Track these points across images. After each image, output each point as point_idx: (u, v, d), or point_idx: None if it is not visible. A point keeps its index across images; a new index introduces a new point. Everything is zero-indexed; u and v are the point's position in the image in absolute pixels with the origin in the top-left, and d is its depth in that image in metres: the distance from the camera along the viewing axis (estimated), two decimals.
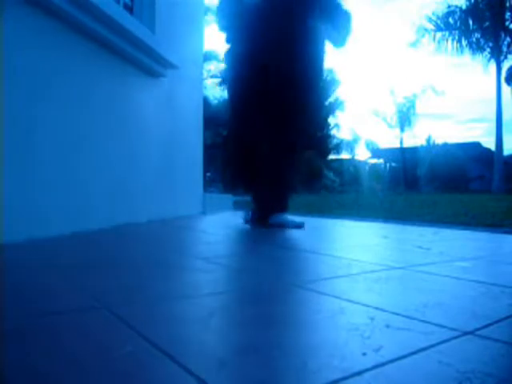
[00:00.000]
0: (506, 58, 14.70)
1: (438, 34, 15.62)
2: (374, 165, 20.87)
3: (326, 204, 5.57)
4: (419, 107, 21.02)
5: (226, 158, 2.63)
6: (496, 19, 14.28)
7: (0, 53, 1.65)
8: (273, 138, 2.42)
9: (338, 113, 19.53)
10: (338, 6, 2.47)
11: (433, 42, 15.79)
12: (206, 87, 15.80)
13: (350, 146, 20.21)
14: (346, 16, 2.49)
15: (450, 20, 15.34)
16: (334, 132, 19.73)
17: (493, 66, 14.86)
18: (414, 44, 16.18)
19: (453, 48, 15.48)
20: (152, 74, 2.87)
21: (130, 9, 2.84)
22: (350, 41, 2.56)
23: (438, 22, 15.52)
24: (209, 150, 3.86)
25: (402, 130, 19.34)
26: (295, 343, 0.66)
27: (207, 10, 5.00)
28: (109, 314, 0.78)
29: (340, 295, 0.93)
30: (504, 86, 14.34)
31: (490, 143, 31.19)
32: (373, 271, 1.21)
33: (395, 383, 0.52)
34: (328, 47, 2.52)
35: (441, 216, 3.47)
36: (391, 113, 19.56)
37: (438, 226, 2.69)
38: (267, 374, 0.54)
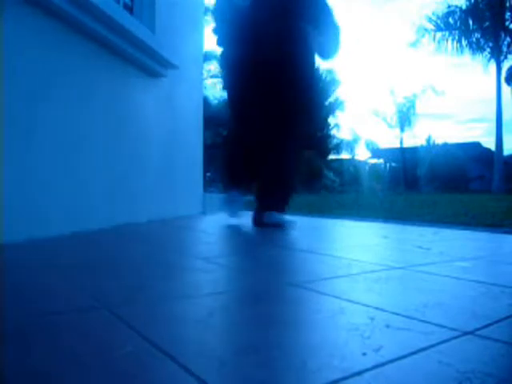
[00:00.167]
0: (506, 58, 14.71)
1: (438, 34, 15.64)
2: (374, 165, 20.88)
3: (325, 204, 5.57)
4: (419, 107, 21.05)
5: (226, 157, 2.63)
6: (496, 19, 14.28)
7: (0, 53, 1.65)
8: (273, 138, 2.42)
9: (338, 113, 19.55)
10: (328, 15, 2.46)
11: (433, 42, 15.82)
12: (206, 87, 15.80)
13: (350, 145, 20.22)
14: (335, 28, 2.48)
15: (450, 20, 15.35)
16: (334, 132, 19.75)
17: (493, 66, 14.88)
18: (413, 44, 16.20)
19: (453, 48, 15.50)
20: (152, 74, 2.87)
21: (130, 9, 2.84)
22: (339, 54, 2.57)
23: (438, 21, 15.53)
24: (209, 150, 3.86)
25: (402, 130, 19.35)
26: (295, 343, 0.66)
27: (207, 10, 5.00)
28: (109, 313, 0.78)
29: (340, 295, 0.93)
30: (504, 85, 14.38)
31: (490, 143, 31.23)
32: (373, 271, 1.21)
33: (395, 383, 0.52)
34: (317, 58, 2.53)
35: (441, 216, 3.47)
36: (391, 113, 19.59)
37: (438, 226, 2.69)
38: (267, 374, 0.54)
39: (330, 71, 18.45)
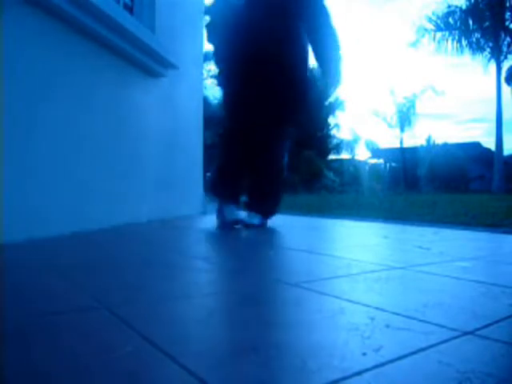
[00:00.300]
0: (506, 58, 14.70)
1: (438, 34, 15.62)
2: (374, 165, 20.87)
3: (325, 204, 5.57)
4: (419, 107, 21.00)
5: (223, 158, 2.56)
6: (496, 19, 14.28)
7: (0, 53, 1.65)
8: (266, 138, 2.39)
9: (338, 113, 19.54)
10: (326, 16, 2.40)
11: (433, 42, 15.79)
12: (206, 87, 15.78)
13: (350, 146, 20.20)
14: (331, 30, 2.36)
15: (450, 20, 15.33)
16: (333, 132, 19.74)
17: (493, 66, 14.87)
18: (413, 44, 16.18)
19: (453, 48, 15.48)
20: (152, 74, 2.87)
21: (130, 9, 2.84)
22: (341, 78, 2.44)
23: (438, 21, 15.51)
24: (209, 150, 3.86)
25: (402, 130, 19.33)
26: (295, 343, 0.66)
27: (207, 10, 4.99)
28: (109, 313, 0.78)
29: (340, 295, 0.93)
30: (504, 85, 14.37)
31: (490, 143, 31.26)
32: (373, 271, 1.21)
33: (395, 383, 0.52)
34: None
35: (441, 216, 3.47)
36: (391, 113, 19.55)
37: (438, 226, 2.69)
38: (267, 374, 0.54)
39: None
